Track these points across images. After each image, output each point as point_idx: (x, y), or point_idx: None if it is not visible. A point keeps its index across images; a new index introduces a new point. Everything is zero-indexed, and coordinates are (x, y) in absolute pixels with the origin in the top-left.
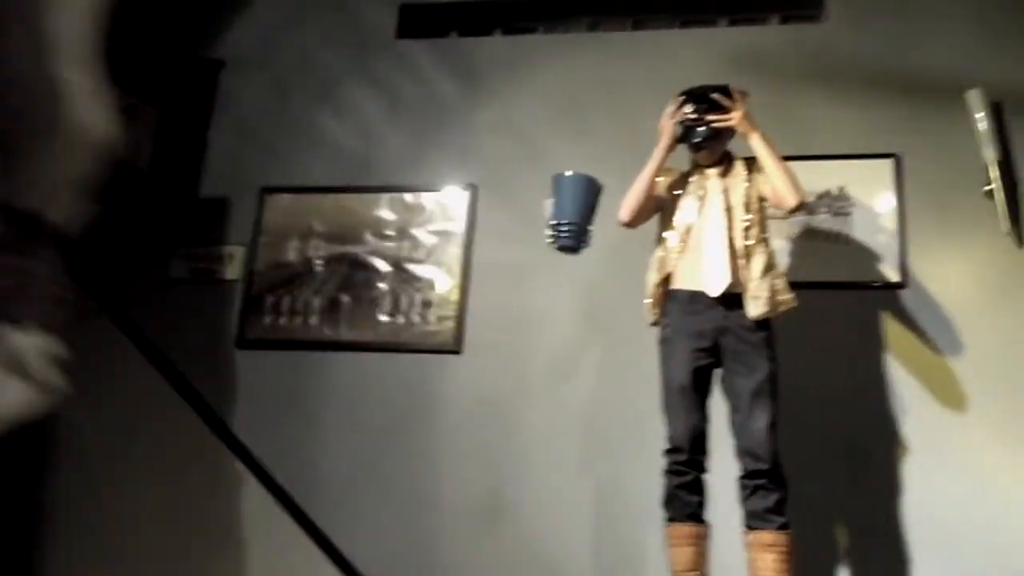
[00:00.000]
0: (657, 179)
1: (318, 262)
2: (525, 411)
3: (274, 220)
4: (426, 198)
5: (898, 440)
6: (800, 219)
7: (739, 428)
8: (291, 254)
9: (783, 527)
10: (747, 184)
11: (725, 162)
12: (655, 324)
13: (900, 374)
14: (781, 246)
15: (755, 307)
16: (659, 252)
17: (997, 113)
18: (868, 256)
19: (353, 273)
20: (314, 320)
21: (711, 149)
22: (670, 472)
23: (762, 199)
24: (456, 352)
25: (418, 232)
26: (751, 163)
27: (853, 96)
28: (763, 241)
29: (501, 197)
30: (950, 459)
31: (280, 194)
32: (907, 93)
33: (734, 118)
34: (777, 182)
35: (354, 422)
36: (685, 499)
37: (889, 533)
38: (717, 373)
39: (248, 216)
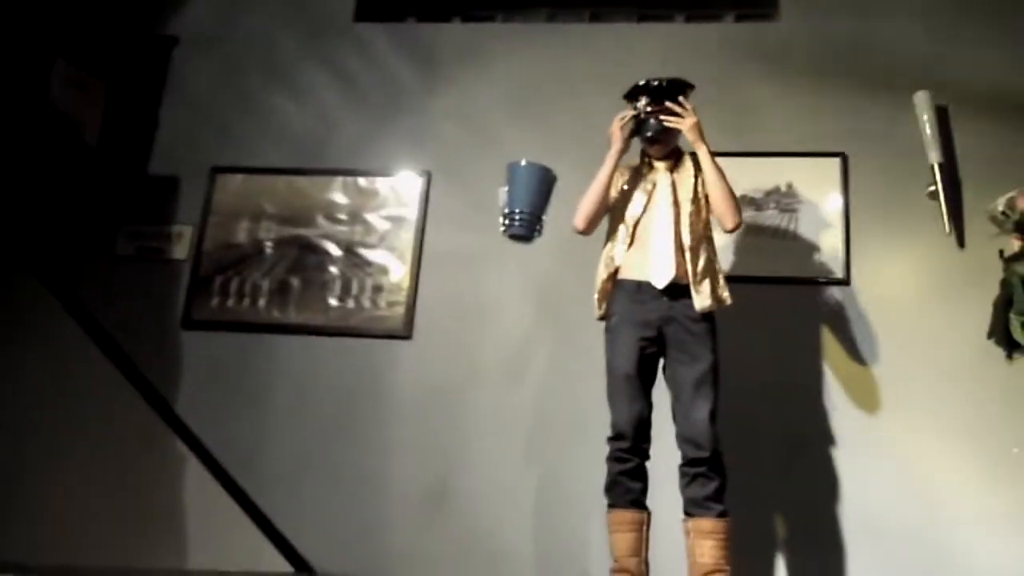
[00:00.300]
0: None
1: (268, 244)
2: (474, 398)
3: (224, 200)
4: (380, 183)
5: (835, 433)
6: (748, 214)
7: (680, 417)
8: (241, 235)
9: (722, 515)
10: (696, 180)
11: (675, 156)
12: (603, 319)
13: (840, 369)
14: (729, 240)
15: (700, 300)
16: (608, 247)
17: (942, 116)
18: (813, 252)
19: (304, 256)
20: (263, 302)
21: (663, 143)
22: (613, 459)
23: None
24: (406, 338)
25: (371, 217)
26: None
27: (804, 95)
28: (708, 236)
29: (455, 184)
30: (886, 453)
31: (231, 174)
32: (856, 93)
33: (686, 124)
34: (718, 203)
35: (302, 406)
36: (627, 485)
37: (825, 523)
38: (661, 363)
39: (198, 195)
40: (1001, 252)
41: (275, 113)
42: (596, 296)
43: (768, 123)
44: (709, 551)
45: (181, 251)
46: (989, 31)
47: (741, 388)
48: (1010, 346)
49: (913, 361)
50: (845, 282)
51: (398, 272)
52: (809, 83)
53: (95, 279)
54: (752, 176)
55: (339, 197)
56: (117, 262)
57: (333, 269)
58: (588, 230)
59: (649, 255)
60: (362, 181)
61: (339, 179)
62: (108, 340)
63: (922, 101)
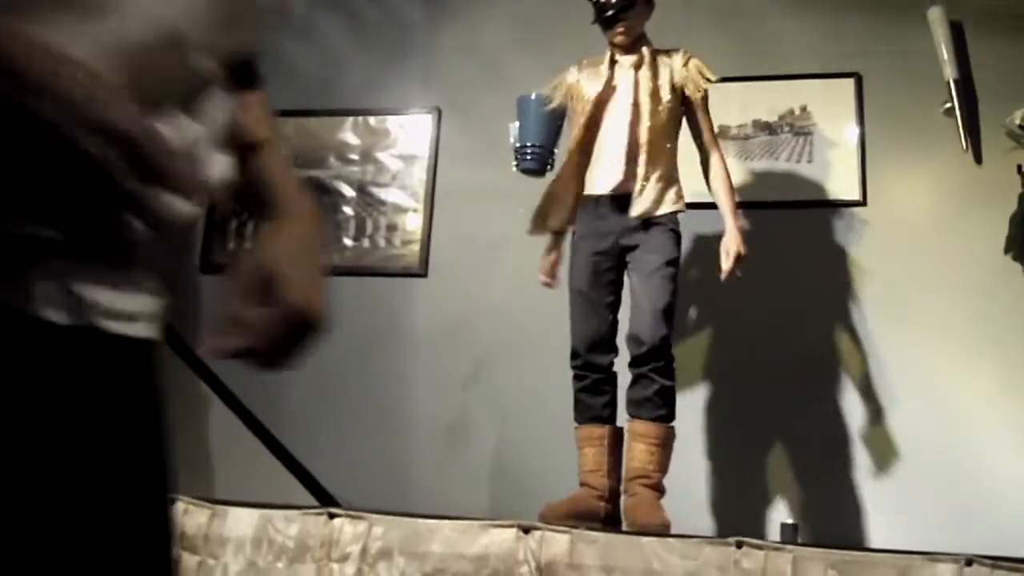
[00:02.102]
0: (573, 79)
1: None
2: (490, 333)
3: None
4: (390, 121)
5: (855, 354)
6: (763, 138)
7: (631, 315)
8: None
9: (659, 419)
10: (660, 80)
11: (639, 51)
12: (557, 232)
13: (859, 290)
14: (744, 166)
15: (639, 205)
16: (566, 163)
17: (957, 32)
18: (829, 175)
19: (317, 197)
20: None
21: (627, 24)
22: (574, 377)
23: (682, 95)
24: (422, 275)
25: (383, 156)
26: (671, 54)
27: (816, 15)
28: (667, 141)
29: (465, 120)
30: (907, 372)
31: None
32: (869, 12)
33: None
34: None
35: (320, 346)
36: (587, 402)
37: (846, 443)
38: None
39: None
40: (1019, 167)
41: (282, 55)
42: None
43: (780, 46)
44: (639, 455)
45: None
46: None
47: (763, 313)
48: None
49: (932, 279)
50: (862, 203)
51: (412, 210)
52: (821, 2)
53: None
54: (766, 100)
55: (350, 137)
56: None
57: (347, 209)
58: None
59: (606, 165)
60: (372, 120)
61: (349, 119)
62: None
63: (936, 17)
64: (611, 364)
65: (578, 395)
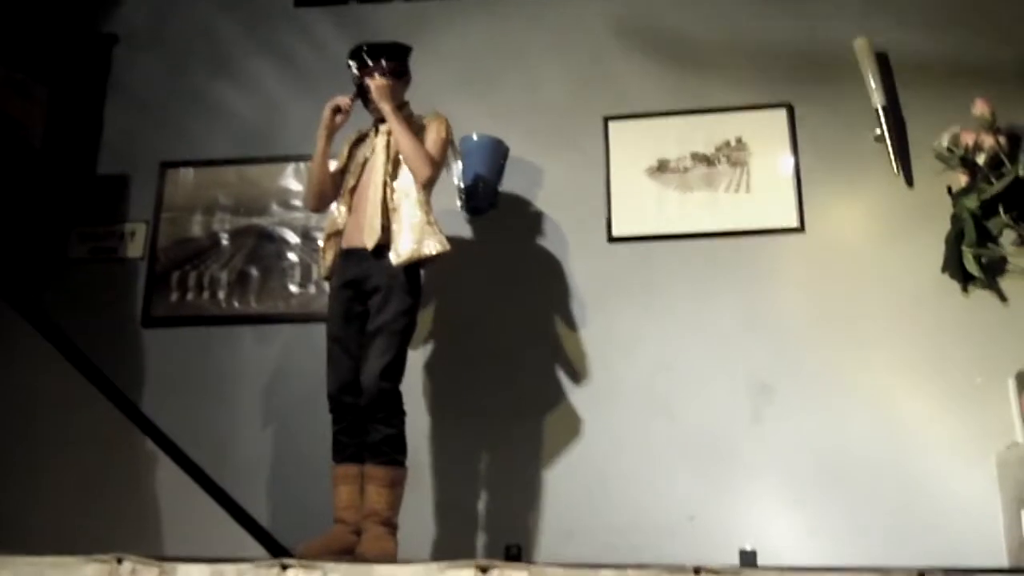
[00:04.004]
0: (347, 144)
1: (224, 236)
2: (439, 380)
3: (176, 195)
4: (332, 166)
5: (800, 378)
6: (701, 170)
7: (361, 364)
8: (196, 229)
9: (385, 462)
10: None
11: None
12: (327, 279)
13: (801, 315)
14: (683, 197)
15: (395, 256)
16: (332, 212)
17: (883, 61)
18: (767, 203)
19: (261, 245)
20: (222, 295)
21: (374, 106)
22: (332, 420)
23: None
24: None
25: None
26: (422, 119)
27: (747, 49)
28: (414, 193)
29: None
30: (851, 393)
31: (181, 168)
32: (798, 44)
33: (373, 84)
34: (407, 159)
35: (269, 395)
36: (342, 442)
37: (795, 466)
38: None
39: (149, 192)
40: (949, 188)
41: (221, 104)
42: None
43: (714, 79)
44: (369, 495)
45: (135, 249)
46: None
47: (707, 337)
48: (965, 279)
49: (872, 301)
50: (800, 229)
51: None
52: (751, 37)
53: (50, 283)
54: (702, 133)
55: (292, 183)
56: (71, 265)
57: (292, 256)
58: (319, 208)
59: (360, 219)
60: None
61: (291, 165)
62: (68, 344)
63: (862, 47)
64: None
65: (335, 436)
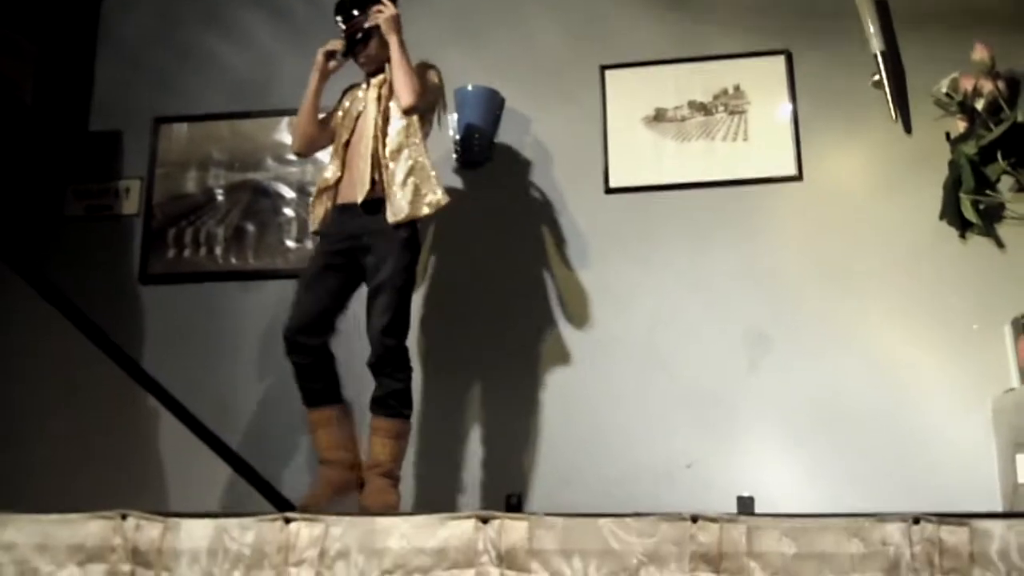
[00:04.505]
0: (339, 100)
1: (219, 191)
2: (441, 328)
3: (170, 151)
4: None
5: (799, 326)
6: (699, 119)
7: (366, 322)
8: (191, 185)
9: (390, 414)
10: (388, 92)
11: (383, 74)
12: (316, 233)
13: (800, 263)
14: (681, 147)
15: (392, 213)
16: (325, 167)
17: (882, 5)
18: (765, 151)
19: (257, 200)
20: (219, 250)
21: (365, 55)
22: (292, 363)
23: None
24: None
25: (321, 154)
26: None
27: None
28: (407, 147)
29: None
30: (850, 342)
31: (175, 123)
32: None
33: (383, 16)
34: (396, 83)
35: (269, 350)
36: (310, 387)
37: (795, 414)
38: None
39: (143, 148)
40: (947, 134)
41: (214, 58)
42: (312, 212)
43: (711, 27)
44: (374, 447)
45: (131, 206)
46: None
47: (705, 287)
48: (963, 225)
49: (869, 249)
50: (798, 178)
51: None
52: None
53: (46, 242)
54: (700, 81)
55: (286, 137)
56: (67, 223)
57: (287, 211)
58: (304, 151)
59: (353, 174)
60: None
61: (285, 119)
62: (67, 303)
63: None
64: (321, 346)
65: (301, 382)
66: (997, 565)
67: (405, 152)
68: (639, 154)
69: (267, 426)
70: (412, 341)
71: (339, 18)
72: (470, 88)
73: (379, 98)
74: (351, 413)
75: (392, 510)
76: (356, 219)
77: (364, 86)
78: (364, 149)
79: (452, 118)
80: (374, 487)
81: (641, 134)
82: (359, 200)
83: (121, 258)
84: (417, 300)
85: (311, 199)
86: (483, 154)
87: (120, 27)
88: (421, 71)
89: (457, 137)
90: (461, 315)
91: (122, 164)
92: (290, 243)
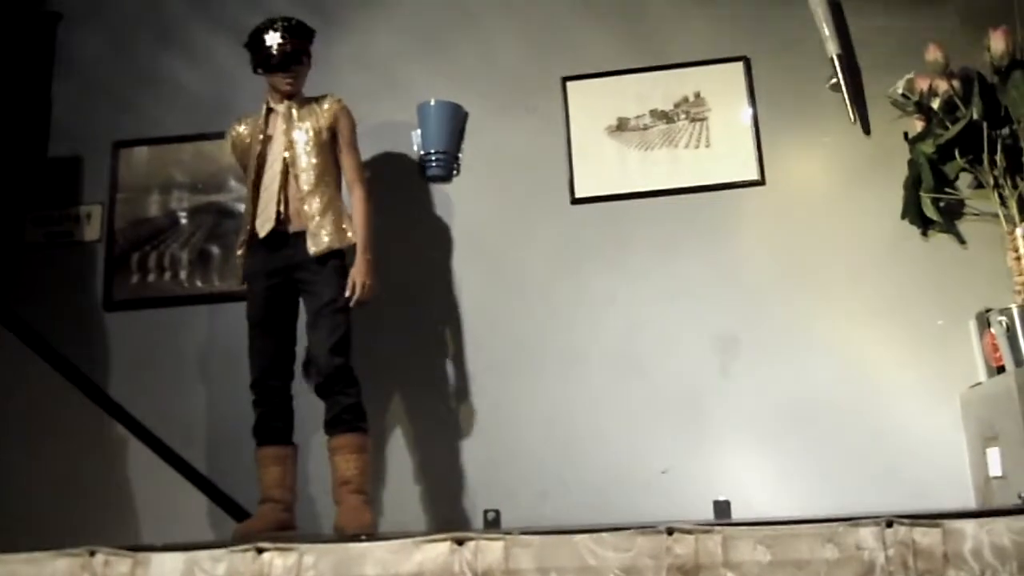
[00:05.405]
0: (234, 133)
1: (182, 214)
2: (399, 356)
3: (131, 175)
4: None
5: (766, 329)
6: (661, 127)
7: (309, 344)
8: (153, 208)
9: (349, 429)
10: (313, 122)
11: (295, 100)
12: (243, 281)
13: (765, 266)
14: (644, 155)
15: (314, 244)
16: (245, 211)
17: (836, 9)
18: (727, 157)
19: (221, 222)
20: (184, 274)
21: (294, 75)
22: (252, 403)
23: (333, 135)
24: None
25: None
26: (320, 100)
27: (703, 4)
28: (326, 180)
29: (365, 132)
30: (817, 342)
31: (135, 147)
32: None
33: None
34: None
35: (236, 372)
36: (270, 425)
37: (763, 419)
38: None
39: (103, 173)
40: (906, 134)
41: (172, 79)
42: (239, 252)
43: (669, 35)
44: (340, 464)
45: (92, 232)
46: None
47: (675, 293)
48: (924, 223)
49: (834, 249)
50: (760, 182)
51: None
52: None
53: (7, 271)
54: (661, 89)
55: None
56: (28, 250)
57: None
58: None
59: (268, 204)
60: None
61: None
62: (30, 332)
63: None
64: (287, 387)
65: (263, 419)
66: (971, 564)
67: (322, 186)
68: (604, 164)
69: (238, 451)
70: (387, 358)
71: (278, 33)
72: (432, 103)
73: (287, 131)
74: (297, 457)
75: (368, 529)
76: (284, 249)
77: (263, 113)
78: (269, 182)
79: (416, 134)
80: (348, 506)
81: (605, 144)
82: (262, 234)
83: (84, 285)
84: (389, 317)
85: (239, 247)
86: (448, 169)
87: (76, 51)
88: (340, 119)
89: (421, 152)
90: (433, 330)
91: (82, 189)
92: None
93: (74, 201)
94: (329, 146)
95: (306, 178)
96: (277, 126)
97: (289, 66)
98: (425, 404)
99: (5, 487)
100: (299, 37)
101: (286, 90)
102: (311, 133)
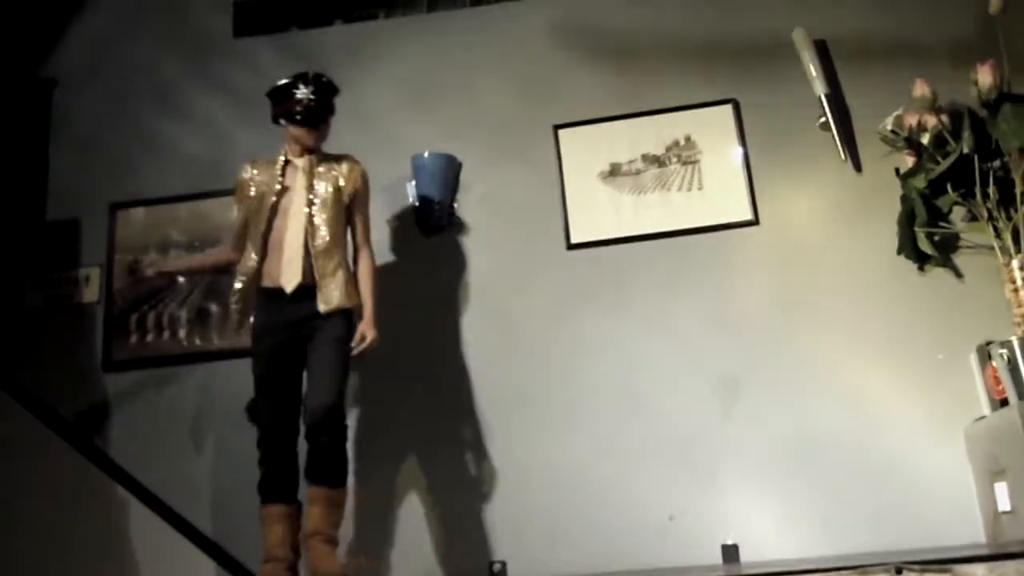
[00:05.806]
0: (247, 176)
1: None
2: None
3: (128, 236)
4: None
5: (767, 369)
6: (653, 171)
7: (308, 385)
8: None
9: (327, 484)
10: (333, 182)
11: (315, 156)
12: (240, 327)
13: (762, 306)
14: (637, 200)
15: (324, 303)
16: (246, 258)
17: (822, 49)
18: (720, 199)
19: (218, 280)
20: (183, 333)
21: (320, 131)
22: (259, 460)
23: (351, 197)
24: None
25: None
26: (340, 160)
27: (689, 48)
28: (338, 238)
29: None
30: (818, 380)
31: (132, 208)
32: (739, 39)
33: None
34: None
35: (236, 430)
36: (276, 482)
37: (769, 460)
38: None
39: (100, 235)
40: (897, 170)
41: (167, 140)
42: (233, 307)
43: (659, 80)
44: (313, 515)
45: (91, 294)
46: None
47: (673, 336)
48: (920, 258)
49: (830, 287)
50: (755, 223)
51: None
52: (693, 36)
53: (6, 335)
54: (652, 134)
55: None
56: (27, 315)
57: None
58: (237, 258)
59: (281, 260)
60: None
61: None
62: (31, 395)
63: (800, 37)
64: (292, 444)
65: (270, 476)
66: None
67: (336, 245)
68: (598, 209)
69: (241, 510)
70: (392, 412)
71: (310, 88)
72: (426, 155)
73: (308, 187)
74: (300, 515)
75: (338, 574)
76: (292, 305)
77: (281, 164)
78: (292, 239)
79: (410, 185)
80: (321, 553)
81: (598, 189)
82: (288, 289)
83: (84, 346)
84: (390, 370)
85: (234, 295)
86: (443, 220)
87: (72, 115)
88: (360, 187)
89: (416, 204)
90: (434, 381)
91: (80, 252)
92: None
93: (73, 264)
94: (343, 206)
95: (322, 235)
96: (297, 179)
97: (318, 122)
98: (429, 456)
99: (6, 552)
100: (329, 94)
101: (309, 144)
102: (331, 190)
